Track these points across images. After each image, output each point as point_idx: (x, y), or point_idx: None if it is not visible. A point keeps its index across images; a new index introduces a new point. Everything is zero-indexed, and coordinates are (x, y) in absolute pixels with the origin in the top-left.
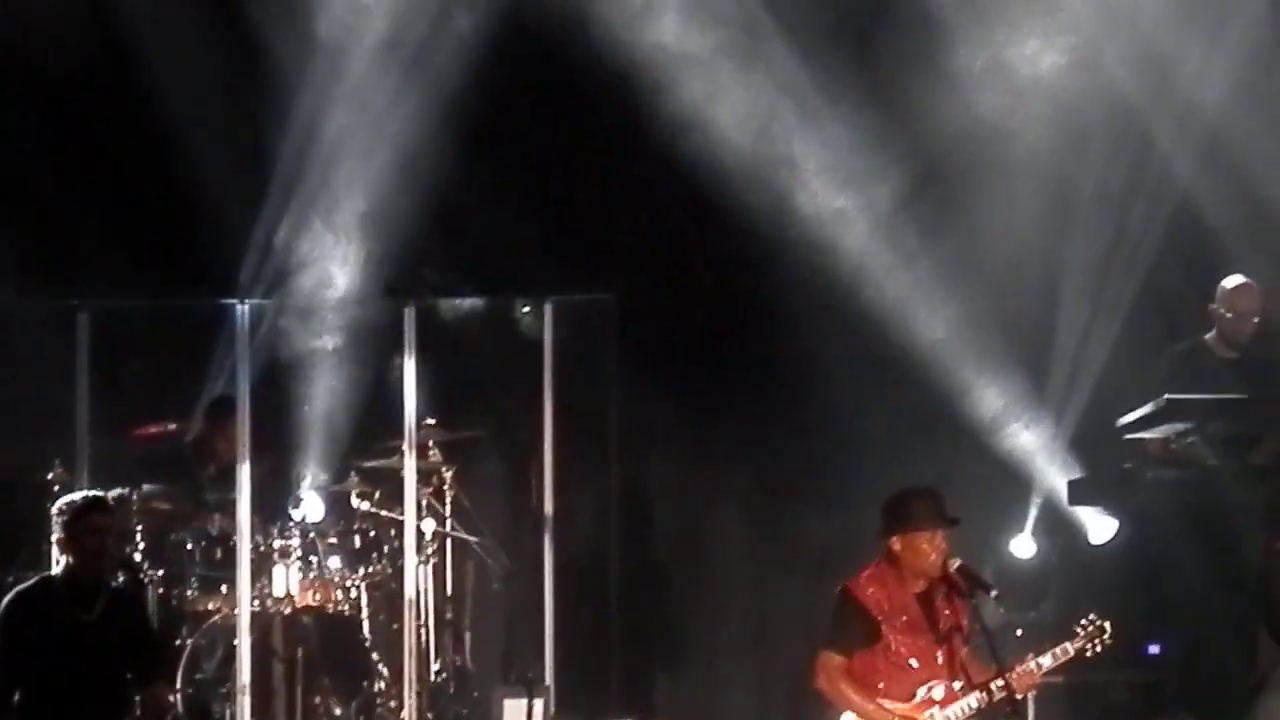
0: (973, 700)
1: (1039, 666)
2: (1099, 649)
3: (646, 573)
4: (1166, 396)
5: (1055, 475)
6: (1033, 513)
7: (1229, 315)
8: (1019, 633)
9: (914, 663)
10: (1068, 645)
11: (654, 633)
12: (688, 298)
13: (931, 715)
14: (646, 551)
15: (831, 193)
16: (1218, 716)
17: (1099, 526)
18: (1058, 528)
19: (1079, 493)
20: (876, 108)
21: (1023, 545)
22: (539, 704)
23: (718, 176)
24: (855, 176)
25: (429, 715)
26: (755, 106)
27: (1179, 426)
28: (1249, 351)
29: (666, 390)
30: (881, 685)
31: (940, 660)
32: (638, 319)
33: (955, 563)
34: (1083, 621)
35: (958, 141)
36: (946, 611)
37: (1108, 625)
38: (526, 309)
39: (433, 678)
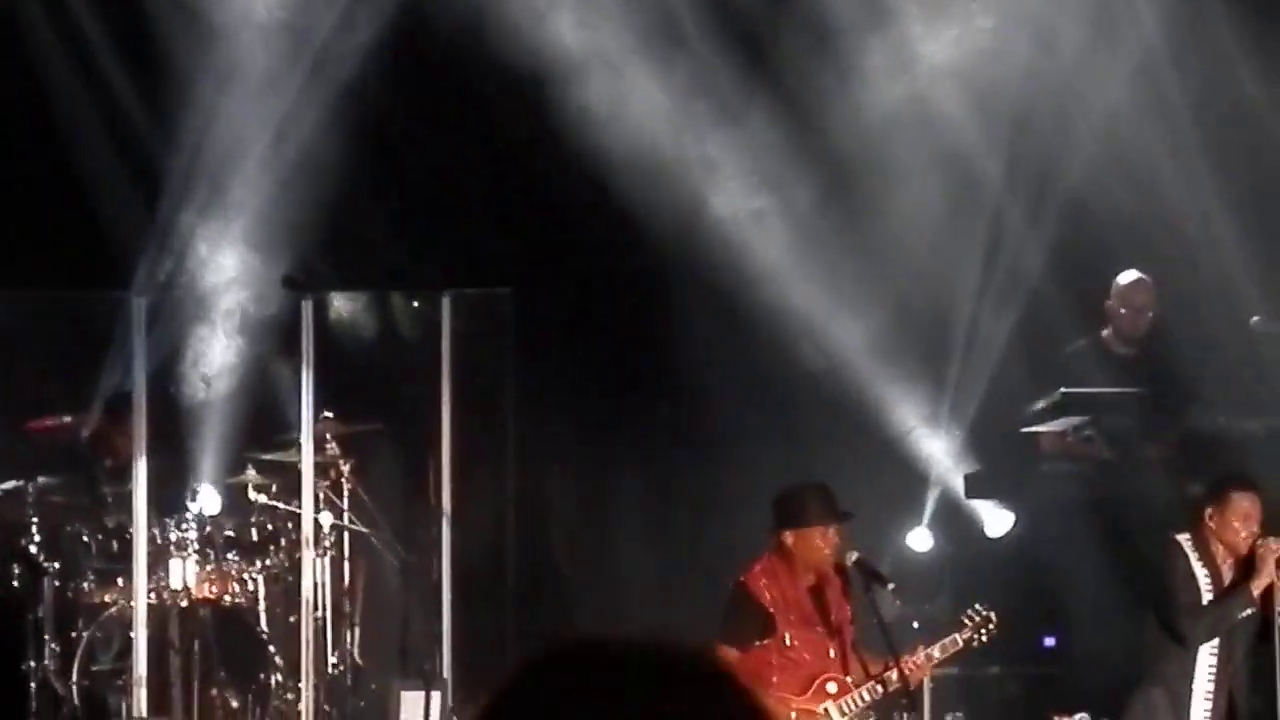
0: (865, 693)
1: (929, 658)
2: (985, 639)
3: (544, 566)
4: (1062, 391)
5: (952, 469)
6: (929, 506)
7: (1124, 310)
8: (916, 625)
9: (807, 656)
10: (957, 636)
11: (552, 627)
12: (587, 294)
13: (826, 708)
14: (544, 545)
15: (733, 193)
16: (1111, 709)
17: (995, 520)
18: (954, 521)
19: (975, 486)
20: (779, 109)
21: (920, 538)
22: (436, 697)
23: (621, 175)
24: (756, 178)
25: (326, 708)
26: (661, 106)
27: (1075, 421)
28: (1144, 347)
29: (565, 385)
30: (775, 679)
31: (833, 653)
32: (536, 314)
33: (853, 555)
34: (969, 612)
35: (857, 141)
36: (838, 605)
37: (993, 615)
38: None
39: (330, 670)
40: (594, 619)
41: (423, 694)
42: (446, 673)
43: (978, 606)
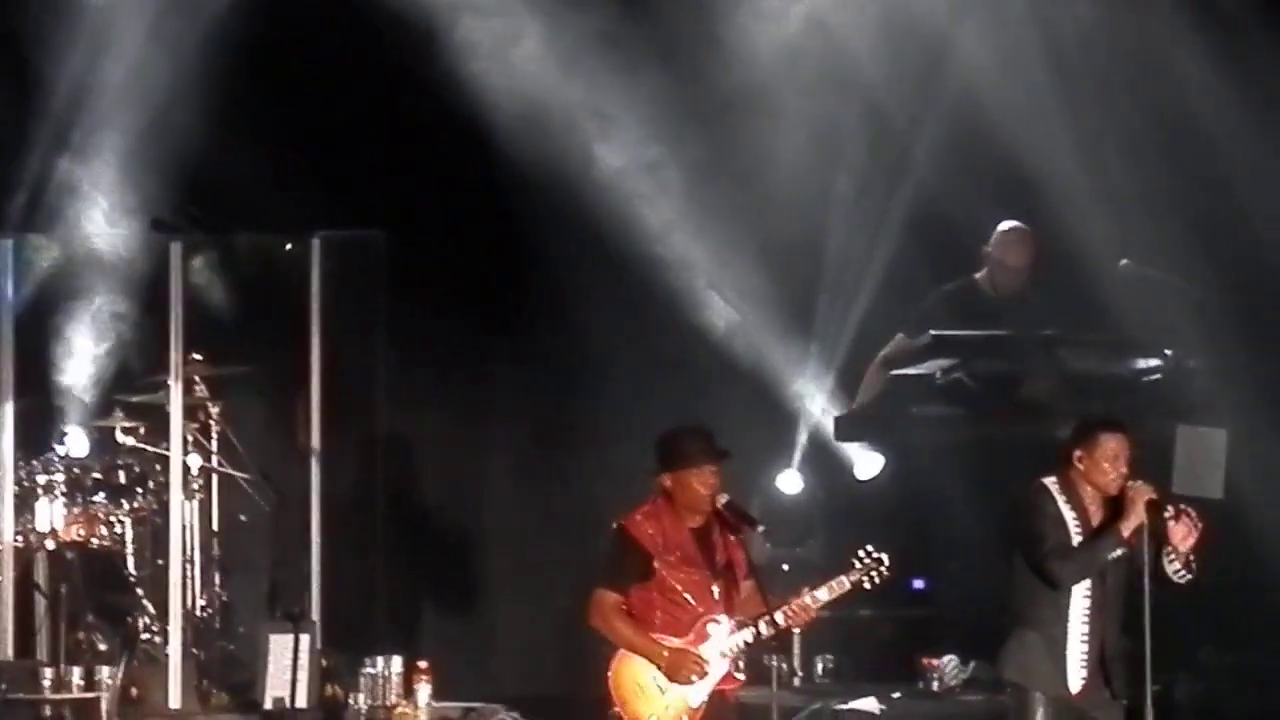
0: (748, 634)
1: (814, 600)
2: (877, 581)
3: (414, 510)
4: (932, 333)
5: (822, 411)
6: (799, 448)
7: (1002, 259)
8: (785, 568)
9: (689, 598)
10: (844, 578)
11: (422, 570)
12: (460, 238)
13: (706, 649)
14: (414, 489)
15: (605, 142)
16: (982, 650)
17: (865, 462)
18: (824, 463)
19: (845, 428)
20: (657, 58)
21: (789, 481)
22: (305, 639)
23: (498, 120)
24: (630, 125)
25: (194, 650)
26: (538, 54)
27: (944, 363)
28: (1018, 291)
29: (436, 329)
30: (658, 620)
31: (716, 595)
32: (408, 256)
33: (722, 498)
34: (860, 554)
35: (729, 86)
36: (723, 546)
37: (885, 557)
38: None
39: (198, 613)
40: (464, 560)
41: (291, 636)
42: (315, 615)
43: (870, 548)
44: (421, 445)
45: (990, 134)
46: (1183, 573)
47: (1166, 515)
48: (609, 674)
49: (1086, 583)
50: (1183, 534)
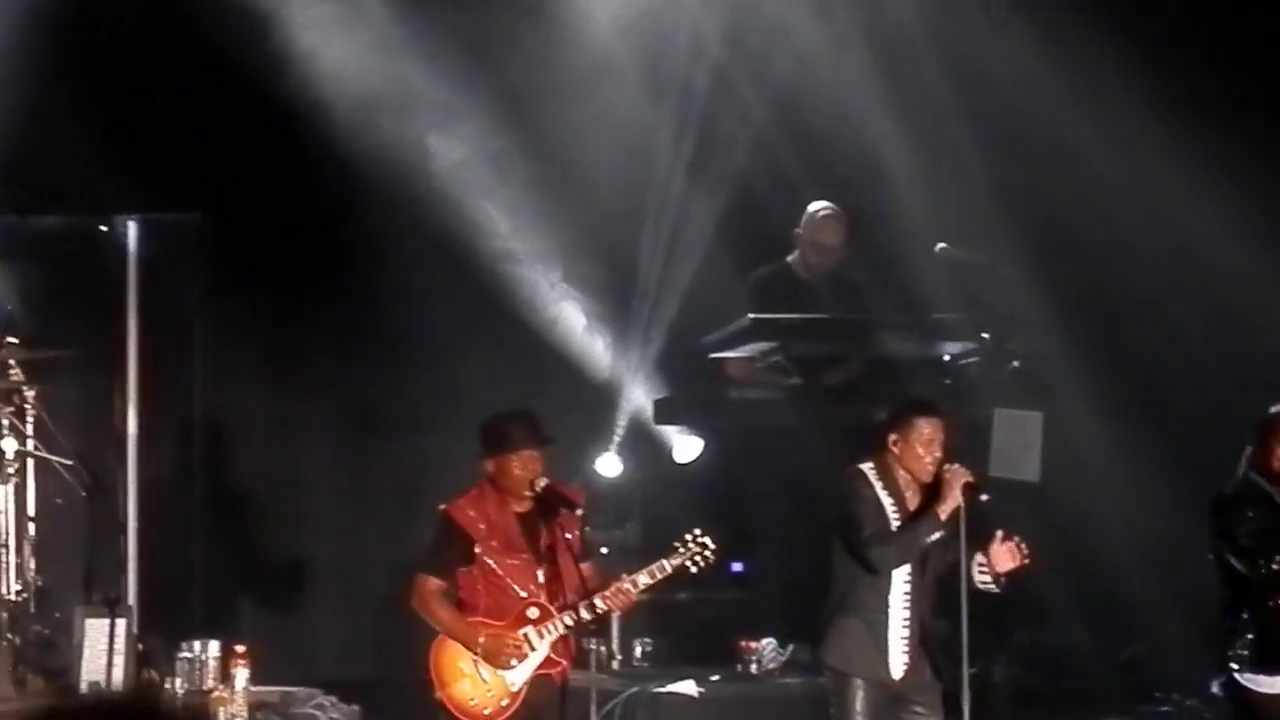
0: (567, 618)
1: (635, 584)
2: (702, 565)
3: (232, 494)
4: (750, 316)
5: (641, 394)
6: (618, 432)
7: (813, 239)
8: (604, 551)
9: (512, 583)
10: (665, 562)
11: (239, 555)
12: (280, 222)
13: (526, 633)
14: (232, 473)
15: (425, 125)
16: (800, 633)
17: (684, 445)
18: (643, 447)
19: (664, 412)
20: (465, 41)
21: (608, 464)
22: (121, 624)
23: (322, 103)
24: (449, 109)
25: (9, 635)
26: (360, 41)
27: (762, 346)
28: (832, 274)
29: (255, 312)
30: (483, 605)
31: (541, 579)
32: (227, 240)
33: (541, 482)
34: (685, 537)
35: (547, 68)
36: (548, 531)
37: (710, 541)
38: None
39: (13, 597)
40: (282, 545)
41: (107, 620)
42: (132, 599)
43: (696, 532)
44: (239, 429)
45: (812, 120)
46: (991, 587)
47: (999, 539)
48: (430, 658)
49: (907, 568)
50: (1005, 559)
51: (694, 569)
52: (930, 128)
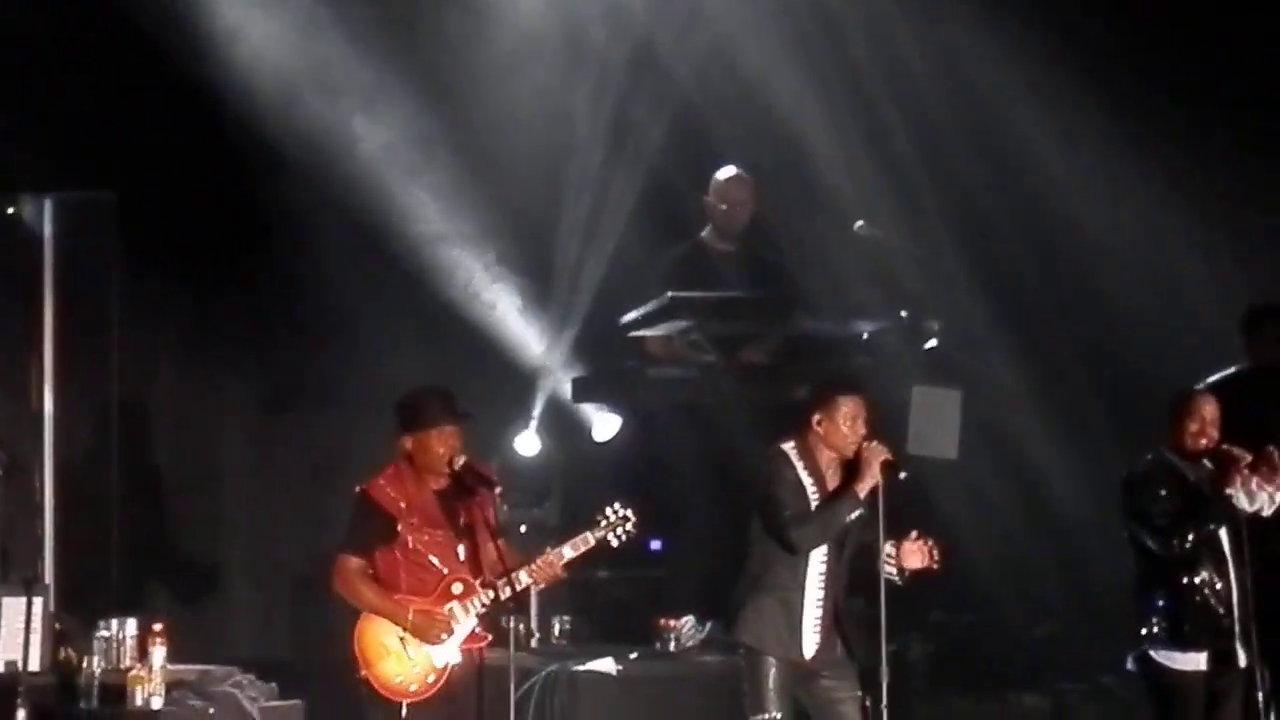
0: (491, 593)
1: (560, 557)
2: (623, 538)
3: (149, 472)
4: (669, 294)
5: (560, 373)
6: (537, 410)
7: (722, 205)
8: (523, 529)
9: (434, 559)
10: (589, 535)
11: (157, 533)
12: (196, 200)
13: (450, 609)
14: (149, 451)
15: (348, 106)
16: (718, 612)
17: (602, 424)
18: (562, 425)
19: (583, 390)
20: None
21: (527, 442)
22: (38, 603)
23: (240, 85)
24: (373, 90)
25: None
26: (283, 20)
27: (680, 324)
28: (746, 247)
29: (172, 290)
30: (404, 582)
31: (461, 556)
32: (143, 219)
33: (460, 460)
34: (606, 510)
35: (471, 49)
36: (468, 508)
37: (631, 514)
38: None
39: None
40: (199, 523)
41: (24, 600)
42: (49, 578)
43: (616, 505)
44: (156, 408)
45: (731, 98)
46: (894, 578)
47: (913, 537)
48: (354, 637)
49: (823, 548)
50: (914, 557)
51: (615, 542)
52: (850, 105)
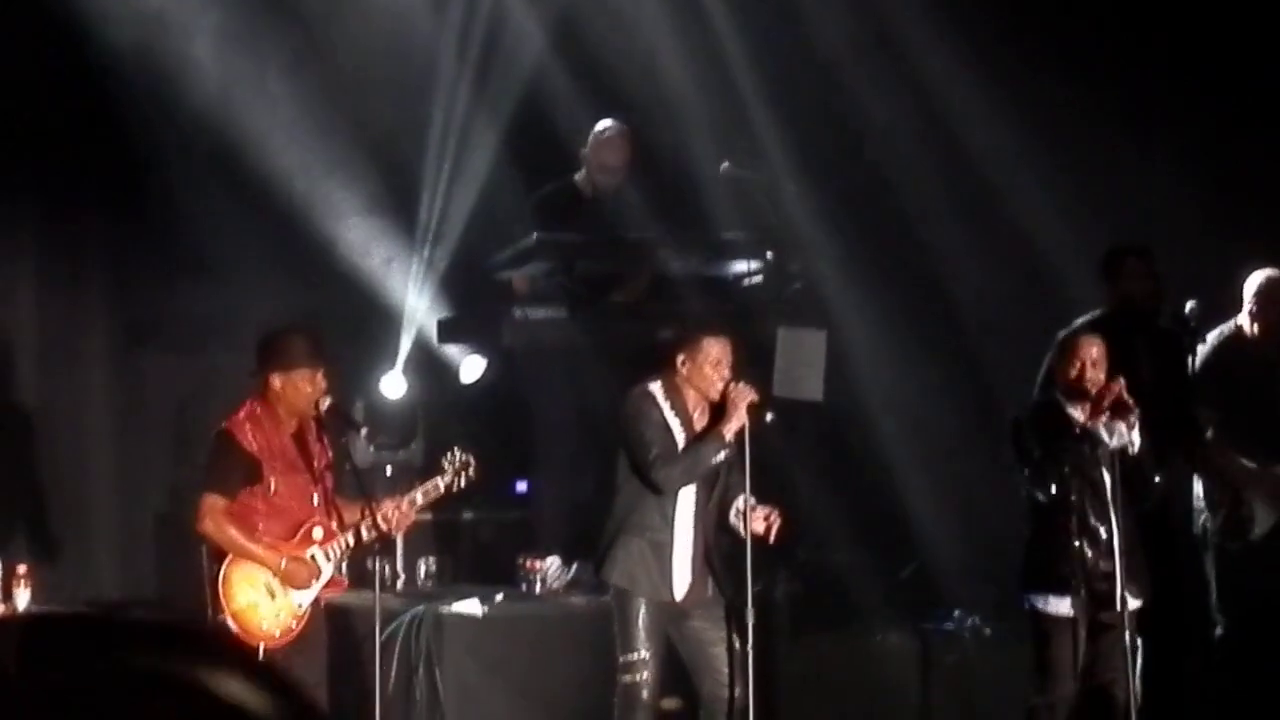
0: (350, 537)
1: (412, 503)
2: (464, 483)
3: (9, 413)
4: (536, 236)
5: (425, 313)
6: (402, 351)
7: (598, 160)
8: (389, 471)
9: (292, 503)
10: (438, 481)
11: (17, 474)
12: (51, 133)
13: (313, 553)
14: (8, 390)
15: (208, 41)
16: (584, 554)
17: (468, 365)
18: (427, 366)
19: (448, 331)
20: None
21: (392, 384)
22: None
23: (99, 18)
24: (230, 25)
25: None
26: None
27: (547, 265)
28: (617, 192)
29: (29, 228)
30: (261, 526)
31: (317, 499)
32: (2, 153)
33: (326, 401)
34: (449, 456)
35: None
36: (320, 450)
37: (471, 459)
38: None
39: None
40: (60, 463)
41: None
42: None
43: (456, 450)
44: (15, 345)
45: (597, 35)
46: (738, 528)
47: (752, 505)
48: (219, 580)
49: (692, 488)
50: (756, 523)
51: (457, 488)
52: (715, 44)
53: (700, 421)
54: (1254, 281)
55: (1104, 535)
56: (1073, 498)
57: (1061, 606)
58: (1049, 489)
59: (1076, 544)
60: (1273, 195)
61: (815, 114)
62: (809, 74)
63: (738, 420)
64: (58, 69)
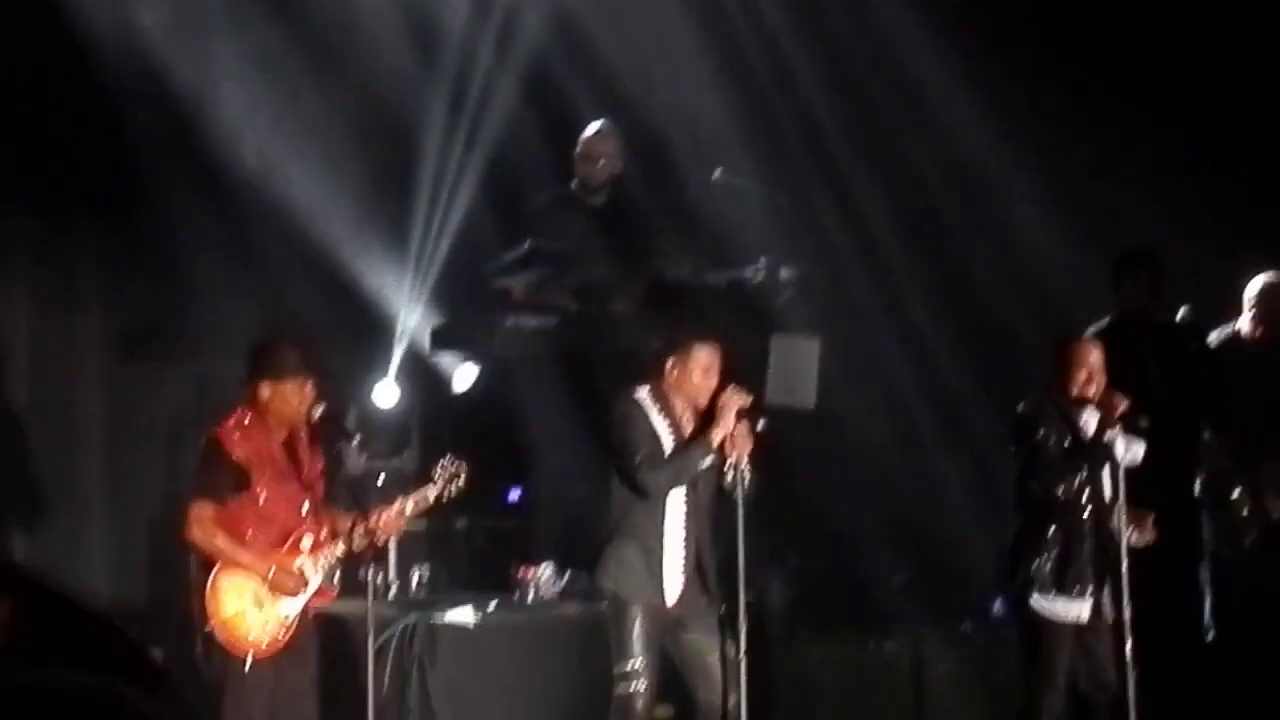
0: (340, 547)
1: (401, 513)
2: (454, 492)
3: (3, 414)
4: (531, 243)
5: (418, 321)
6: (395, 359)
7: (587, 154)
8: (381, 480)
9: (281, 511)
10: (428, 491)
11: (9, 478)
12: (45, 134)
13: (300, 563)
14: (3, 393)
15: (198, 44)
16: (578, 561)
17: (462, 373)
18: (420, 375)
19: (442, 339)
20: None
21: (385, 392)
22: None
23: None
24: (219, 36)
25: None
26: None
27: (543, 273)
28: (611, 198)
29: (25, 231)
30: (249, 534)
31: (307, 508)
32: None
33: (318, 410)
34: (440, 465)
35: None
36: (310, 459)
37: (462, 467)
38: None
39: None
40: (52, 468)
41: None
42: None
43: (448, 458)
44: (8, 355)
45: (592, 42)
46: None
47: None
48: (207, 588)
49: (681, 493)
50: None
51: (448, 496)
52: (721, 50)
53: (689, 427)
54: (1254, 286)
55: (1105, 541)
56: (1082, 502)
57: (1067, 611)
58: (1058, 490)
59: (1078, 548)
60: (1273, 198)
61: (806, 122)
62: (807, 80)
63: (724, 427)
64: (52, 80)
